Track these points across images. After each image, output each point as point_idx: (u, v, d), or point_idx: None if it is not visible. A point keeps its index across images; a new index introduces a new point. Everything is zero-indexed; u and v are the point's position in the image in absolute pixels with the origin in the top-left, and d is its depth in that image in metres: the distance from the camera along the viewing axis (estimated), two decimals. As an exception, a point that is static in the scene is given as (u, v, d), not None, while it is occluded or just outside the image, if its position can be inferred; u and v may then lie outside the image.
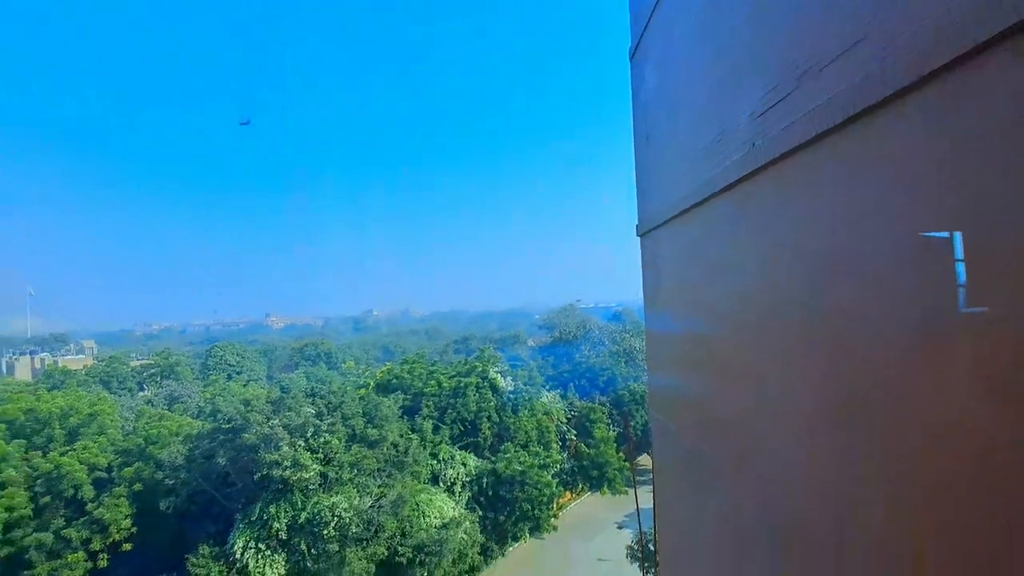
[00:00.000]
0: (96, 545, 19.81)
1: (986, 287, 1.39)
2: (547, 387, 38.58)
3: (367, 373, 37.10)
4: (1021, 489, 0.92)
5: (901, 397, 2.10)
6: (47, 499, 19.54)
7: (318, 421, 21.85)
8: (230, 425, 21.93)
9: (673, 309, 7.60)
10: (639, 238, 8.44)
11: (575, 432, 34.70)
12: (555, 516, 29.07)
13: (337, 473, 20.95)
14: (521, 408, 31.92)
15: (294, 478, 19.85)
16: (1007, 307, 1.20)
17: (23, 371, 45.55)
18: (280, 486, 20.09)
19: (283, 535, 19.54)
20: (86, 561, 19.56)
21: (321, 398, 24.31)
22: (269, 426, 20.95)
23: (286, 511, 19.88)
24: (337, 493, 20.53)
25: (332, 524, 19.49)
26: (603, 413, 34.90)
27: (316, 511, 19.75)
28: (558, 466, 31.41)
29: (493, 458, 28.32)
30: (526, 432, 30.53)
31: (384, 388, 30.44)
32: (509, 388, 32.68)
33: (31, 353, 52.30)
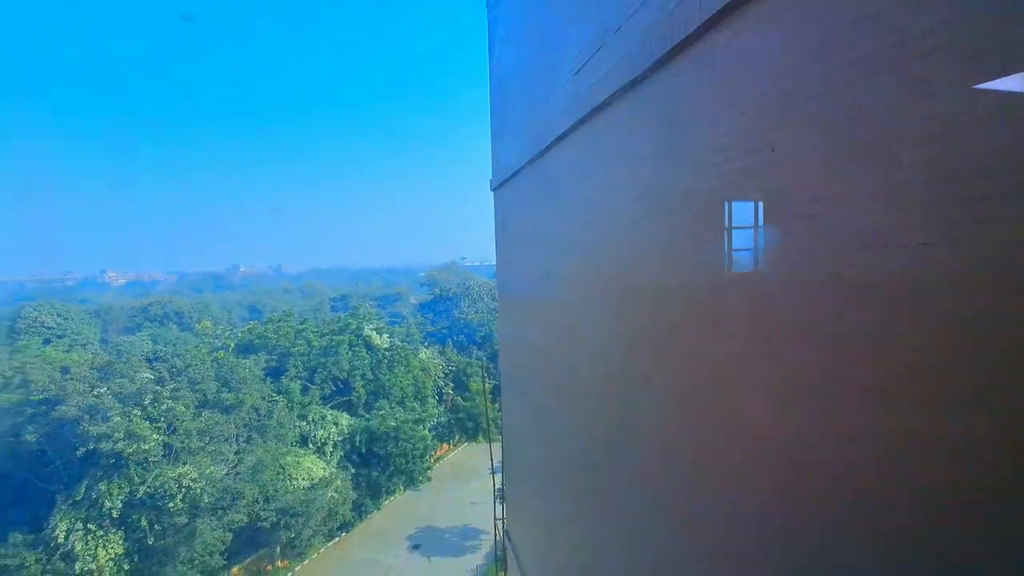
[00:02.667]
0: None
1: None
2: (426, 343, 38.59)
3: (227, 334, 33.90)
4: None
5: (699, 331, 2.21)
6: None
7: (158, 387, 19.55)
8: (42, 396, 18.77)
9: (517, 262, 7.62)
10: (492, 193, 8.25)
11: (452, 386, 35.39)
12: (430, 467, 29.76)
13: (184, 442, 19.10)
14: (397, 365, 31.60)
15: (129, 451, 17.72)
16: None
17: None
18: (112, 461, 17.84)
19: (117, 513, 17.53)
20: None
21: (163, 362, 21.72)
22: (94, 395, 18.29)
23: (120, 487, 17.78)
24: (184, 463, 18.79)
25: (179, 496, 17.89)
26: (479, 367, 35.90)
27: (159, 484, 17.94)
28: (434, 420, 31.97)
29: (368, 416, 27.91)
30: (402, 388, 30.44)
31: (246, 349, 28.11)
32: (385, 345, 32.05)
33: None
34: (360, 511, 26.50)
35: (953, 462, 1.04)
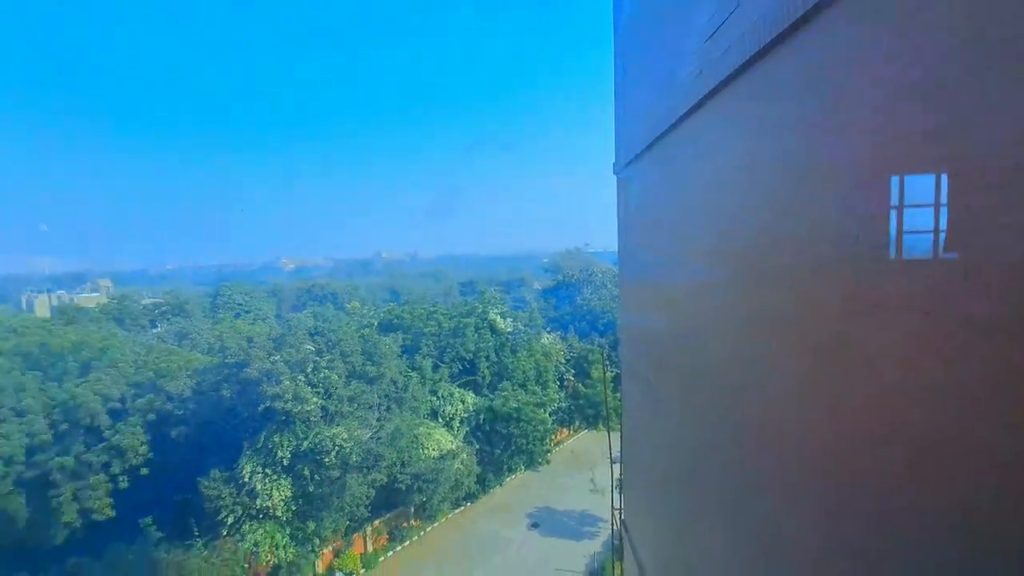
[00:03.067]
0: (116, 469, 21.17)
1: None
2: (548, 329, 39.13)
3: (371, 314, 37.76)
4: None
5: (846, 320, 2.00)
6: (65, 426, 20.71)
7: (317, 358, 22.52)
8: (235, 360, 22.73)
9: (639, 247, 7.37)
10: (615, 177, 8.06)
11: (573, 372, 35.52)
12: (550, 451, 30.33)
13: (337, 407, 21.82)
14: (520, 348, 32.56)
15: (296, 410, 20.74)
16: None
17: (41, 309, 47.11)
18: (283, 418, 21.04)
19: (287, 462, 20.69)
20: (108, 483, 20.98)
21: (322, 336, 24.94)
22: (270, 362, 21.67)
23: (289, 440, 20.93)
24: (338, 425, 21.49)
25: (333, 453, 20.53)
26: (601, 354, 35.48)
27: (318, 441, 20.77)
28: (555, 404, 32.44)
29: (491, 396, 29.27)
30: (524, 371, 31.32)
31: (386, 328, 31.07)
32: (508, 329, 33.17)
33: (48, 291, 53.86)
34: (483, 484, 28.04)
35: None
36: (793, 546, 2.31)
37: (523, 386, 30.54)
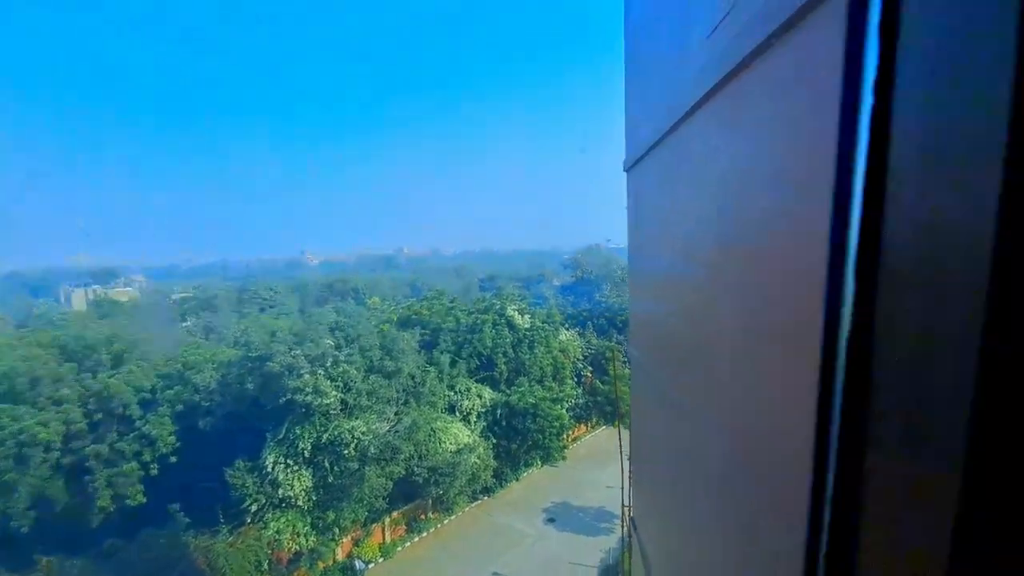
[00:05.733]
0: (147, 457, 22.08)
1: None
2: (566, 325, 39.05)
3: (391, 309, 38.30)
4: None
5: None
6: (99, 416, 21.66)
7: (336, 352, 23.00)
8: (258, 354, 23.38)
9: (647, 245, 7.44)
10: (625, 173, 8.12)
11: (591, 369, 35.43)
12: (567, 446, 30.38)
13: (356, 400, 22.28)
14: (538, 345, 32.60)
15: (316, 403, 21.25)
16: None
17: (78, 302, 49.23)
18: (303, 410, 21.58)
19: (308, 453, 21.23)
20: (139, 470, 21.90)
21: (341, 331, 25.45)
22: (292, 355, 22.23)
23: (310, 432, 21.47)
24: (356, 418, 21.95)
25: (352, 445, 20.99)
26: (619, 351, 35.30)
27: (337, 433, 21.25)
28: (572, 400, 32.43)
29: (508, 391, 29.43)
30: (541, 367, 31.38)
31: (405, 323, 31.51)
32: (526, 325, 33.25)
33: (85, 286, 56.25)
34: (500, 479, 28.27)
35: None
36: (785, 541, 2.33)
37: (540, 382, 30.62)
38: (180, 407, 23.19)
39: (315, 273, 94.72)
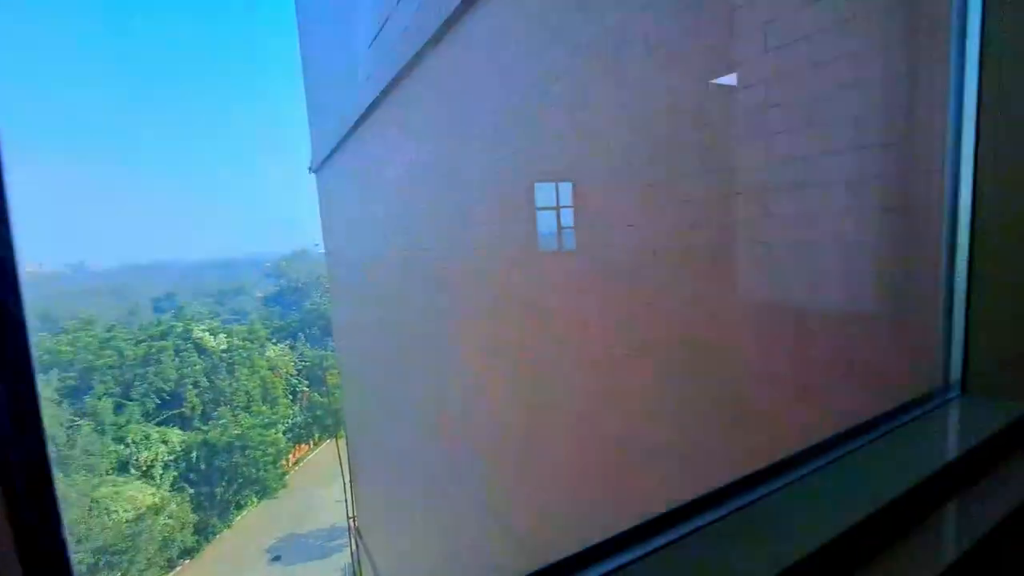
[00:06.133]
0: None
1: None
2: (274, 340, 35.42)
3: (3, 352, 27.38)
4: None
5: (499, 313, 2.04)
6: None
7: None
8: None
9: (343, 244, 7.11)
10: (313, 175, 7.55)
11: (307, 383, 33.15)
12: (287, 473, 27.74)
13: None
14: (239, 367, 28.58)
15: None
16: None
17: None
18: None
19: None
20: None
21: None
22: None
23: None
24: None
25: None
26: (335, 359, 34.12)
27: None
28: (289, 420, 29.75)
29: (205, 427, 24.90)
30: (247, 392, 27.69)
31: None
32: (222, 347, 28.70)
33: None
34: (204, 534, 23.78)
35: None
36: (485, 526, 2.61)
37: (247, 408, 26.96)
38: None
39: None
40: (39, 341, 26.79)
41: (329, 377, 32.31)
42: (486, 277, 2.29)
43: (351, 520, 10.47)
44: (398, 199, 3.72)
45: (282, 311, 40.80)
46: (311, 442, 34.07)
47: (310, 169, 7.29)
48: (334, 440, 33.34)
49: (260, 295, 54.64)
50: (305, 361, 33.70)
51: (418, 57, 2.92)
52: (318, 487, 29.05)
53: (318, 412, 31.83)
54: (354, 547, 9.83)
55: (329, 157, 6.16)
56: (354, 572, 10.29)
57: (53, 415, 19.46)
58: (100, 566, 18.56)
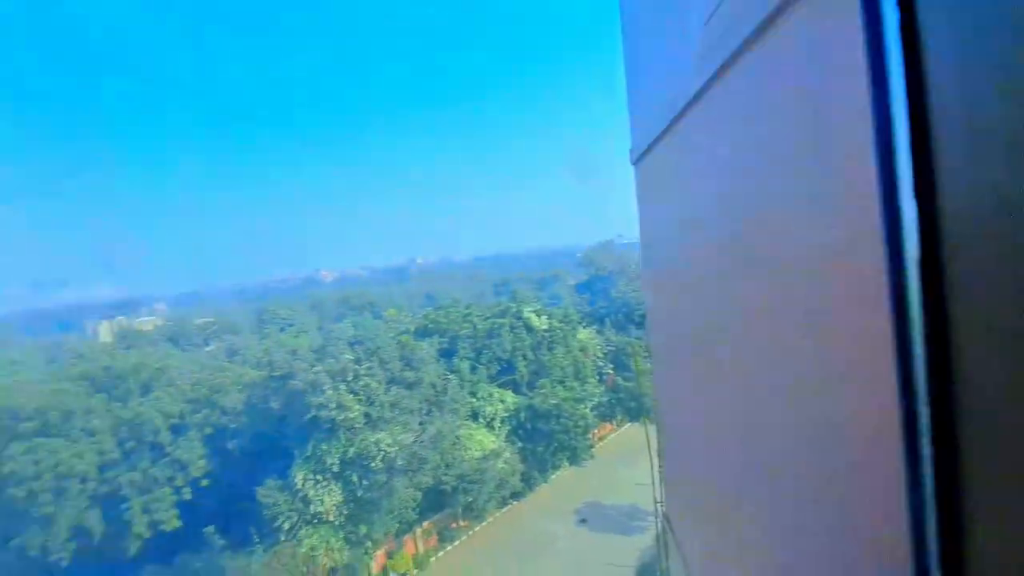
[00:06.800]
0: (179, 481, 22.42)
1: None
2: (584, 324, 38.85)
3: (408, 320, 38.48)
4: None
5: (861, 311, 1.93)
6: (131, 444, 22.07)
7: (357, 366, 23.13)
8: (280, 373, 23.63)
9: (662, 235, 7.29)
10: (633, 167, 7.99)
11: (612, 366, 35.14)
12: (593, 445, 30.14)
13: (379, 412, 22.36)
14: (557, 345, 32.46)
15: (340, 418, 21.38)
16: None
17: (105, 334, 50.38)
18: (328, 425, 21.73)
19: (336, 468, 21.36)
20: (172, 495, 22.24)
21: (361, 344, 25.62)
22: (313, 372, 22.42)
23: (336, 447, 21.60)
24: (381, 430, 22.02)
25: (378, 458, 21.06)
26: (639, 346, 34.98)
27: (363, 446, 21.35)
28: (595, 399, 32.20)
29: (530, 394, 29.32)
30: (562, 368, 31.22)
31: (423, 333, 31.61)
32: (544, 327, 33.12)
33: (109, 317, 57.53)
34: (529, 483, 28.13)
35: None
36: (882, 538, 2.20)
37: (562, 383, 30.45)
38: (209, 430, 23.52)
39: (330, 290, 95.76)
40: (427, 314, 36.59)
41: (634, 362, 33.54)
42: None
43: (659, 505, 10.54)
44: (727, 188, 3.29)
45: (591, 298, 44.32)
46: (614, 422, 36.18)
47: (631, 160, 7.38)
48: (637, 423, 34.59)
49: (572, 282, 60.88)
50: (611, 345, 35.81)
51: (770, 21, 2.41)
52: (620, 465, 30.64)
53: (621, 395, 33.45)
54: (661, 533, 9.84)
55: (650, 148, 5.99)
56: (661, 558, 10.45)
57: (432, 369, 26.22)
58: (459, 489, 24.14)
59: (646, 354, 36.12)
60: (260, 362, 30.71)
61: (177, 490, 22.31)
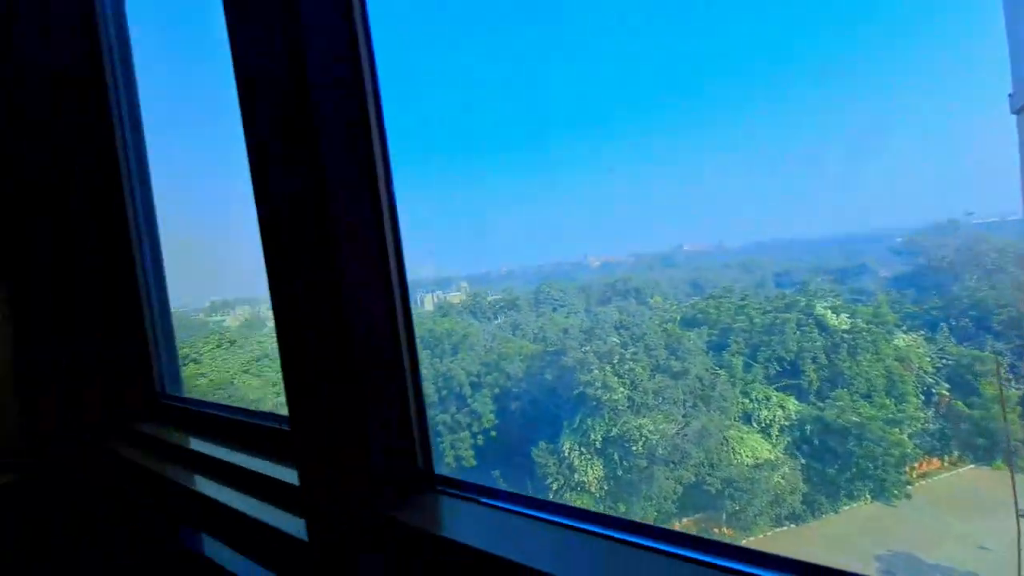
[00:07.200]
0: (475, 428, 27.18)
1: None
2: (904, 327, 30.65)
3: (673, 308, 37.31)
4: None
5: None
6: (445, 392, 27.74)
7: (622, 350, 23.61)
8: (553, 349, 26.02)
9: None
10: (1015, 116, 6.02)
11: (947, 386, 26.77)
12: (911, 482, 23.71)
13: (642, 399, 22.42)
14: (861, 351, 26.53)
15: (604, 398, 22.29)
16: None
17: (428, 305, 65.08)
18: (593, 403, 22.91)
19: (598, 444, 22.43)
20: (471, 438, 27.13)
21: (626, 329, 26.04)
22: (582, 352, 23.90)
23: (600, 425, 22.65)
24: (643, 416, 22.04)
25: (640, 443, 21.20)
26: (998, 364, 25.66)
27: (625, 429, 21.80)
28: (917, 425, 25.18)
29: (820, 404, 24.83)
30: (867, 379, 25.37)
31: (689, 323, 30.10)
32: (844, 326, 27.46)
33: (432, 292, 74.16)
34: (812, 507, 24.03)
35: None
36: None
37: (867, 397, 24.77)
38: (497, 390, 27.72)
39: (597, 275, 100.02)
40: (694, 303, 34.71)
41: (984, 385, 24.87)
42: None
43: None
44: None
45: (917, 295, 34.62)
46: (944, 458, 27.68)
47: (1010, 108, 5.38)
48: (984, 466, 25.68)
49: (886, 274, 48.69)
50: (947, 359, 27.30)
51: None
52: (950, 515, 23.32)
53: (962, 425, 25.29)
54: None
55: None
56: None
57: (700, 361, 24.71)
58: (724, 494, 22.32)
59: (1009, 375, 26.21)
60: (536, 337, 34.50)
61: (473, 435, 27.07)
